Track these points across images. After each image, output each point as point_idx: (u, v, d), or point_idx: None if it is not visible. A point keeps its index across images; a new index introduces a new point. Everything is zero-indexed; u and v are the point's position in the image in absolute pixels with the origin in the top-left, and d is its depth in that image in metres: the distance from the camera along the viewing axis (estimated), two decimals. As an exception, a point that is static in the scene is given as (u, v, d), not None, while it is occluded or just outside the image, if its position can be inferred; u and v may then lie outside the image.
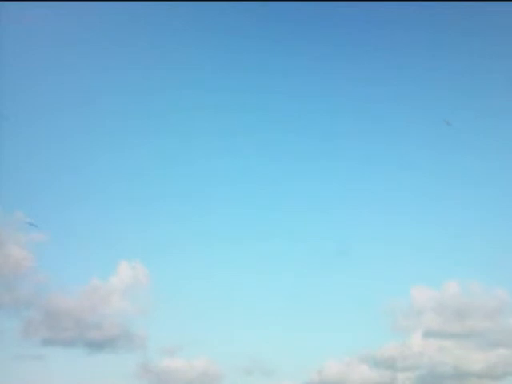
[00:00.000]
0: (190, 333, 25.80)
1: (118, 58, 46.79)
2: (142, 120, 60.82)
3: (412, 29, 65.26)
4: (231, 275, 28.72)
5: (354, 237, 49.22)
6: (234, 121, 62.93)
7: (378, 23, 63.49)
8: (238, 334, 25.31)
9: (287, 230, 52.56)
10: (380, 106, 64.49)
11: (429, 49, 64.32)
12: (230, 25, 59.01)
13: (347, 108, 64.66)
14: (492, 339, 35.31)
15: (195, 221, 52.84)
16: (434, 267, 28.81)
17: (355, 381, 31.37)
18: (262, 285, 25.87)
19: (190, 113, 62.61)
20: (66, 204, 49.08)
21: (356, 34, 65.04)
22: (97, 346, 25.23)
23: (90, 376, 28.02)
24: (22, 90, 46.87)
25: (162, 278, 25.92)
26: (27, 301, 24.98)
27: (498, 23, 62.57)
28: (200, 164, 60.64)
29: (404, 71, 62.86)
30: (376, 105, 64.42)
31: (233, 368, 30.57)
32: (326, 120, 64.54)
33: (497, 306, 35.92)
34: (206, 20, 52.24)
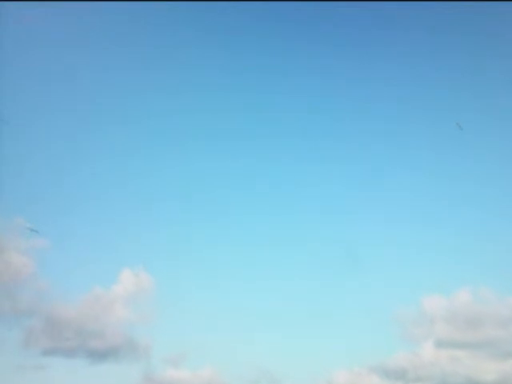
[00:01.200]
0: (194, 342, 25.07)
1: (118, 58, 46.01)
2: (144, 123, 60.00)
3: (414, 29, 64.60)
4: (237, 282, 28.06)
5: (364, 244, 48.43)
6: (240, 122, 62.17)
7: (380, 23, 62.78)
8: (243, 343, 24.58)
9: (295, 236, 51.72)
10: (390, 107, 63.83)
11: (431, 49, 63.61)
12: (231, 25, 58.25)
13: (354, 109, 63.95)
14: (505, 349, 34.55)
15: (200, 226, 52.00)
16: (446, 274, 28.17)
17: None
18: (269, 292, 25.18)
19: (192, 114, 61.79)
20: (67, 209, 48.31)
21: (357, 34, 64.30)
22: (99, 355, 24.49)
23: (92, 386, 27.28)
24: (22, 89, 46.04)
25: (166, 285, 25.24)
26: (28, 309, 24.24)
27: (502, 23, 61.91)
28: (204, 168, 59.89)
29: (409, 72, 62.15)
30: (386, 106, 63.76)
31: (239, 378, 29.77)
32: (334, 122, 63.79)
33: (510, 315, 35.11)
34: (207, 20, 51.43)
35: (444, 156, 61.15)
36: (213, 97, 61.31)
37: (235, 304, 24.64)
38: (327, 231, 51.42)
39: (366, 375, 29.38)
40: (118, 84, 51.33)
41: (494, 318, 25.92)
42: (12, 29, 25.88)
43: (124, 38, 32.82)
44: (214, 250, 41.83)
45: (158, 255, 40.21)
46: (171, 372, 24.46)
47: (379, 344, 24.48)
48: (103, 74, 39.10)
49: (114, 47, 35.11)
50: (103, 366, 24.27)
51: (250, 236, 51.33)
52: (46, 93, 47.72)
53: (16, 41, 25.34)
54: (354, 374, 28.00)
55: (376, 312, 24.96)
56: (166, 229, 46.87)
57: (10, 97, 29.28)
